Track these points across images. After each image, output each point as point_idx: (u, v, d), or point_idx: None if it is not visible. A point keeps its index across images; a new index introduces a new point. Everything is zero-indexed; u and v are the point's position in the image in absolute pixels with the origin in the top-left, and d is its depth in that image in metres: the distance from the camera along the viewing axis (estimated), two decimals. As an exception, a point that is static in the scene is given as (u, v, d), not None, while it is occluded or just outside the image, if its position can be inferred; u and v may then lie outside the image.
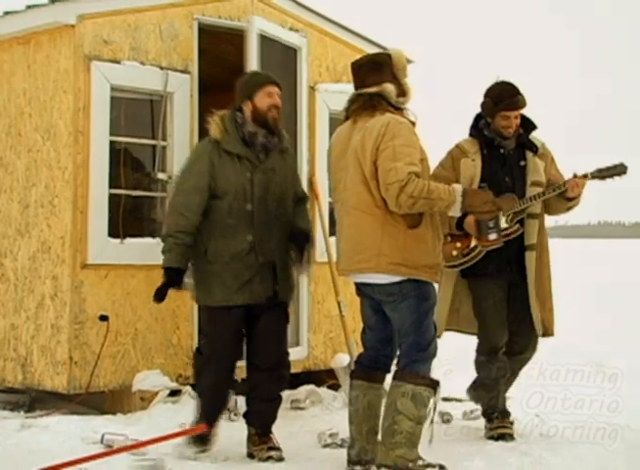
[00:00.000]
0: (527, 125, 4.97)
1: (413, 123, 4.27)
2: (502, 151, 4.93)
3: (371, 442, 4.27)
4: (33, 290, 5.43)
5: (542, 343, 4.97)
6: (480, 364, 4.97)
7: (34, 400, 5.60)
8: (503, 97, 4.84)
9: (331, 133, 6.28)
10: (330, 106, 6.28)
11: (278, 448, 4.46)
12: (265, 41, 5.68)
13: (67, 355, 5.21)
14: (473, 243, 4.81)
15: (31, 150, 5.50)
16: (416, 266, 4.12)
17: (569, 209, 4.92)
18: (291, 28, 6.12)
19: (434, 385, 4.12)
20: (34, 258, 5.44)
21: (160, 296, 4.43)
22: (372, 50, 6.57)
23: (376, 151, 4.10)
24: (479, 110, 5.00)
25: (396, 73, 4.31)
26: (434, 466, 4.11)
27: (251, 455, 4.49)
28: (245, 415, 4.61)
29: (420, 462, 4.07)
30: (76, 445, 4.50)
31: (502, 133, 4.88)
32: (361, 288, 4.38)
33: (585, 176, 4.76)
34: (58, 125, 5.35)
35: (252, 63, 5.50)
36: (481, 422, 5.18)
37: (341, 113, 6.28)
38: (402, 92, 4.28)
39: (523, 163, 4.92)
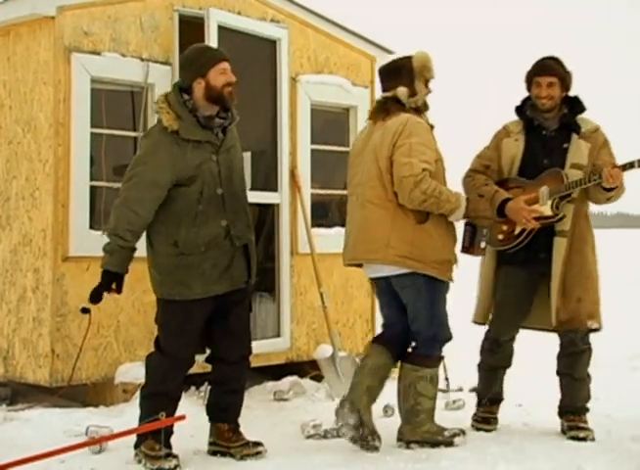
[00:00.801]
0: (577, 107, 4.76)
1: (432, 126, 4.51)
2: (544, 132, 4.75)
3: (361, 401, 4.43)
4: (15, 283, 5.41)
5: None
6: (483, 349, 4.91)
7: (16, 394, 5.58)
8: (536, 63, 4.73)
9: (312, 124, 6.33)
10: (312, 97, 6.28)
11: (261, 443, 4.38)
12: (235, 34, 5.66)
13: (48, 348, 5.19)
14: (518, 228, 4.68)
15: (12, 142, 5.47)
16: (424, 261, 4.35)
17: (608, 199, 4.64)
18: (272, 20, 6.10)
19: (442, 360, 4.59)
20: (15, 251, 5.42)
21: (96, 298, 4.22)
22: (353, 41, 6.60)
23: (392, 147, 4.36)
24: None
25: (414, 76, 4.48)
26: (458, 433, 4.49)
27: (220, 453, 4.36)
28: (212, 413, 4.43)
29: (446, 433, 4.47)
30: (59, 437, 4.49)
31: (538, 106, 4.72)
32: (377, 283, 4.61)
33: (632, 165, 4.43)
34: (38, 118, 5.32)
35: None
36: (464, 412, 5.21)
37: (323, 104, 6.36)
38: (413, 93, 4.48)
39: (566, 145, 4.70)
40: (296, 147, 6.20)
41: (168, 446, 4.20)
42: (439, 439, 4.46)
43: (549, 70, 4.71)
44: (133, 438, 4.25)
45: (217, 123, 4.23)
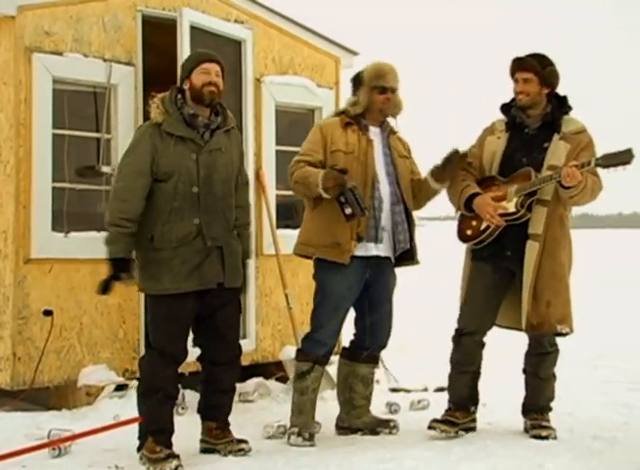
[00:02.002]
0: (563, 106, 4.69)
1: (349, 123, 4.69)
2: (526, 130, 4.70)
3: (344, 410, 4.87)
4: (-25, 285, 5.34)
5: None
6: (452, 342, 4.86)
7: (-23, 398, 5.52)
8: (513, 59, 4.68)
9: (277, 125, 6.32)
10: (276, 98, 6.28)
11: (246, 441, 4.42)
12: (203, 34, 5.63)
13: (10, 351, 5.14)
14: (484, 224, 4.68)
15: (-28, 143, 5.40)
16: (315, 245, 4.65)
17: (571, 198, 4.52)
18: (236, 20, 6.09)
19: (312, 358, 4.65)
20: (-24, 254, 5.35)
21: (105, 289, 4.25)
22: (318, 42, 6.60)
23: None
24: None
25: (362, 85, 4.73)
26: (299, 434, 4.59)
27: (209, 450, 4.39)
28: (202, 411, 4.50)
29: (293, 429, 4.63)
30: (20, 441, 4.43)
31: (517, 102, 4.70)
32: None
33: (589, 163, 4.38)
34: (-1, 118, 5.27)
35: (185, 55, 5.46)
36: (428, 412, 5.22)
37: (287, 105, 6.34)
38: (356, 101, 4.76)
39: (546, 144, 4.63)
40: (260, 148, 6.18)
41: (169, 445, 4.23)
42: (290, 431, 4.64)
43: (524, 65, 4.65)
44: (95, 441, 4.23)
45: (201, 123, 4.32)
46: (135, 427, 4.26)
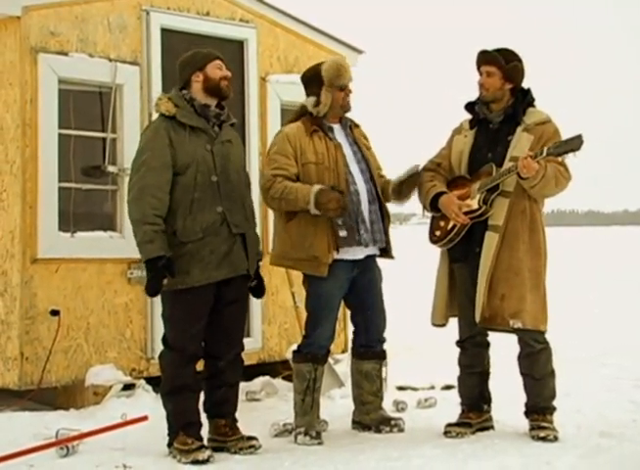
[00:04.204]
0: (526, 98, 4.66)
1: (356, 125, 4.77)
2: (490, 125, 4.68)
3: (356, 406, 4.91)
4: (-17, 286, 5.35)
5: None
6: (457, 347, 4.84)
7: (-15, 397, 5.53)
8: (478, 53, 4.68)
9: (282, 124, 6.31)
10: (281, 97, 6.28)
11: (255, 438, 4.43)
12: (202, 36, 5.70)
13: (17, 351, 5.15)
14: (451, 223, 4.65)
15: (-22, 144, 5.42)
16: (293, 259, 4.64)
17: (532, 188, 4.47)
18: (241, 20, 6.10)
19: (311, 359, 4.69)
20: (-17, 254, 5.36)
21: (156, 288, 4.20)
22: (323, 41, 6.60)
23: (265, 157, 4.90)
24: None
25: (322, 85, 4.68)
26: (307, 433, 4.57)
27: (217, 449, 4.37)
28: (209, 409, 4.49)
29: (299, 429, 4.61)
30: (28, 441, 4.45)
31: (480, 95, 4.69)
32: None
33: (541, 153, 4.38)
34: (5, 119, 5.28)
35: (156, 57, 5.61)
36: (435, 410, 5.22)
37: (293, 103, 6.34)
38: (318, 102, 4.69)
39: (510, 137, 4.61)
40: (266, 147, 6.17)
41: (200, 438, 4.29)
42: (295, 431, 4.64)
43: (487, 58, 4.64)
44: (103, 440, 4.23)
45: (213, 113, 4.40)
46: (142, 426, 4.28)
